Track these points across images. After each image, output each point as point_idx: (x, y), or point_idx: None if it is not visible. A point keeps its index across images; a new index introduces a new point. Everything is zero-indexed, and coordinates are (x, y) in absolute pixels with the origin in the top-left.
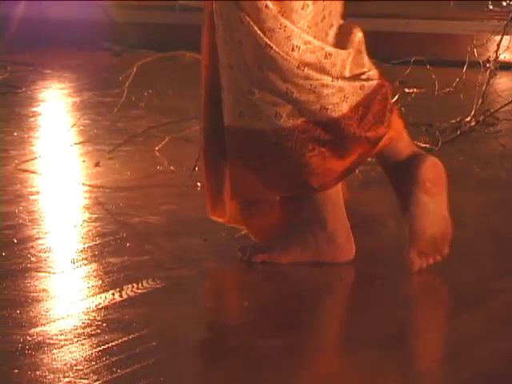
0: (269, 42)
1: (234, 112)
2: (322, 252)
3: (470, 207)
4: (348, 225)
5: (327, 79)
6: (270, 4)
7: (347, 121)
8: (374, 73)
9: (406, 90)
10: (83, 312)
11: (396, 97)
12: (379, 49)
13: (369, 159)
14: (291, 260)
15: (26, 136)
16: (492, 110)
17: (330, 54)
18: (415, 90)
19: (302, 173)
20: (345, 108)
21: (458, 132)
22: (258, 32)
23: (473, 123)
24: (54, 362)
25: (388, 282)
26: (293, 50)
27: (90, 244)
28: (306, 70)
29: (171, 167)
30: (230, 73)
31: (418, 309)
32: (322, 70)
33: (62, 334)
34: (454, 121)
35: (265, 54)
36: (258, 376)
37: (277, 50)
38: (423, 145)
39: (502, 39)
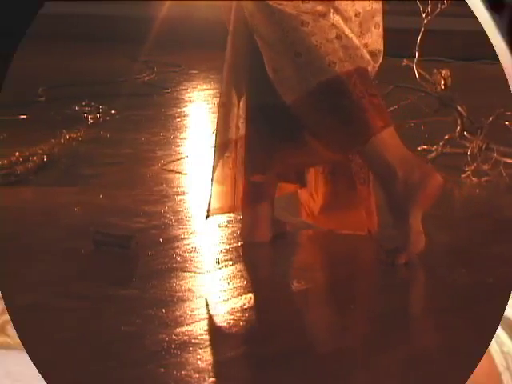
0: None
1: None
2: (414, 197)
3: None
4: (415, 155)
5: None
6: None
7: None
8: None
9: None
10: (228, 312)
11: None
12: None
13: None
14: (420, 234)
15: (172, 136)
16: None
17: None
18: None
19: (364, 116)
20: None
21: None
22: (288, 10)
23: None
24: (199, 362)
25: None
26: None
27: (234, 245)
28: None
29: None
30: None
31: None
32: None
33: (207, 334)
34: None
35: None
36: (415, 376)
37: None
38: None
39: None
